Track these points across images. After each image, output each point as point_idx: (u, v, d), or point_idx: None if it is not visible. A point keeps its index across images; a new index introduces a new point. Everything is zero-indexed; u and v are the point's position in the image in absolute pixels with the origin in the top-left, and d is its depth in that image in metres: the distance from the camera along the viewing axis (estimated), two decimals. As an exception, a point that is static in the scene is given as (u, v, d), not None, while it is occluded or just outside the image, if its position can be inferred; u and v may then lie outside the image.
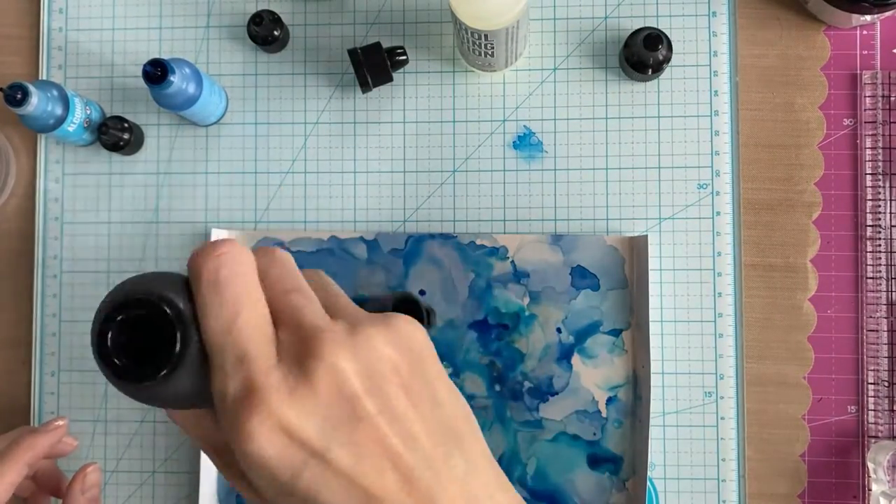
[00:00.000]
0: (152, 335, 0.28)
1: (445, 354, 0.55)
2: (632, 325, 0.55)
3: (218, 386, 0.28)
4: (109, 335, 0.28)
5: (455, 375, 0.55)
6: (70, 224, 0.59)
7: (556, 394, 0.55)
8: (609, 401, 0.55)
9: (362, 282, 0.56)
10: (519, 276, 0.55)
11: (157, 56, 0.56)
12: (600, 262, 0.55)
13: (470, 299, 0.55)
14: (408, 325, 0.30)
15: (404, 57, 0.56)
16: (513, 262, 0.55)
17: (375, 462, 0.28)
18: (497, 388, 0.55)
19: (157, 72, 0.50)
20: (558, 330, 0.55)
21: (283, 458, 0.28)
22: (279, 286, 0.30)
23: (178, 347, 0.27)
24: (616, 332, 0.55)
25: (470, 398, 0.54)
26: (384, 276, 0.56)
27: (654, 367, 0.55)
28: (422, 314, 0.42)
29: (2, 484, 0.47)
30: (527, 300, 0.55)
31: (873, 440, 0.54)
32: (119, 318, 0.28)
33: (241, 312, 0.28)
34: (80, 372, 0.58)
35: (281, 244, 0.56)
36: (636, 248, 0.55)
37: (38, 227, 0.59)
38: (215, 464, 0.33)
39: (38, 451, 0.49)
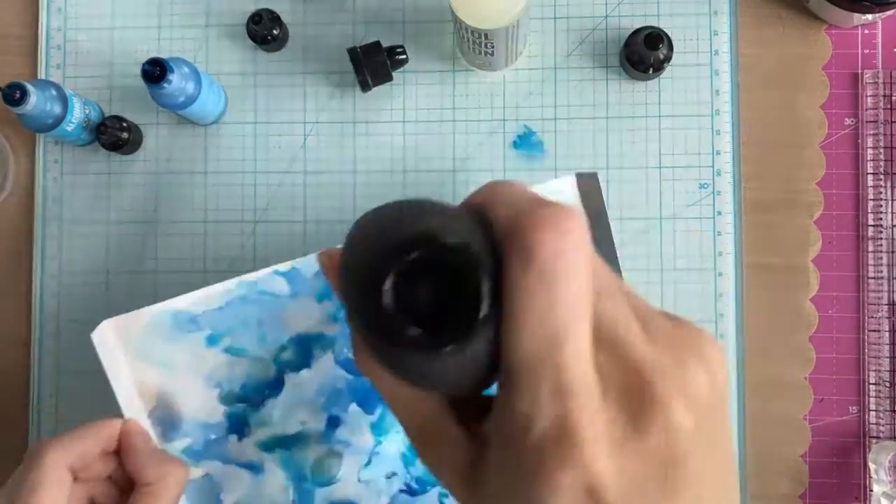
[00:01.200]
0: (428, 287, 0.22)
1: None
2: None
3: (520, 407, 0.22)
4: (394, 284, 0.21)
5: None
6: (69, 223, 0.59)
7: None
8: None
9: (292, 320, 0.49)
10: None
11: (155, 55, 0.56)
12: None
13: None
14: (718, 354, 0.25)
15: (404, 56, 0.56)
16: None
17: None
18: None
19: (155, 71, 0.50)
20: None
21: None
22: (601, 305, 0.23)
23: (482, 310, 0.21)
24: None
25: None
26: (317, 306, 0.49)
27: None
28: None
29: (74, 444, 0.42)
30: None
31: (875, 440, 0.54)
32: (409, 261, 0.21)
33: (572, 328, 0.22)
34: (80, 372, 0.58)
35: (179, 312, 0.48)
36: (586, 189, 0.50)
37: (37, 226, 0.59)
38: (421, 454, 0.27)
39: (111, 433, 0.45)
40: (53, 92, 0.53)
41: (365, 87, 0.55)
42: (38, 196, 0.59)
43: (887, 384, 0.54)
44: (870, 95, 0.56)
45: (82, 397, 0.58)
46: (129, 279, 0.58)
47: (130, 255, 0.58)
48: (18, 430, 0.58)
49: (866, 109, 0.56)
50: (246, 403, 0.50)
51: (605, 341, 0.23)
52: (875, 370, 0.54)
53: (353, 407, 0.50)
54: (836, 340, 0.55)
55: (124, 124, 0.56)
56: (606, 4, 0.57)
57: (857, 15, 0.54)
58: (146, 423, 0.48)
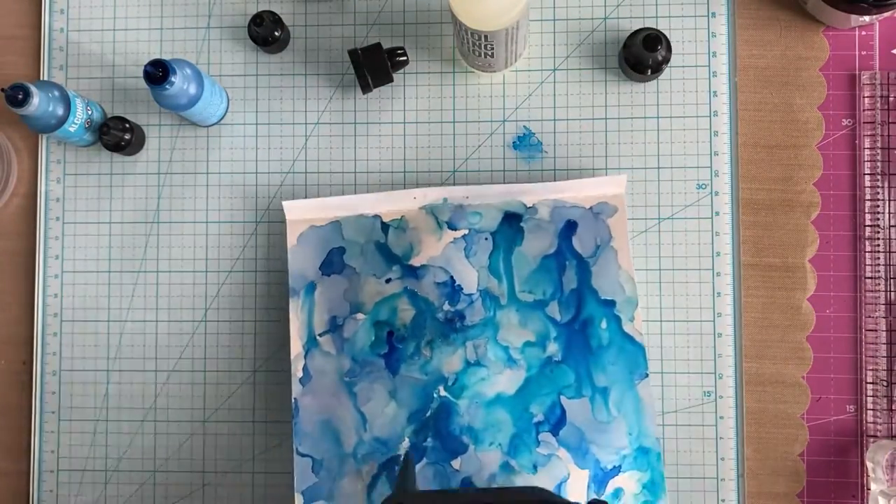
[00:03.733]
0: None
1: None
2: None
3: None
4: None
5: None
6: (71, 224, 0.59)
7: (450, 278, 0.55)
8: (450, 226, 0.55)
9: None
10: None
11: (158, 57, 0.56)
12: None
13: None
14: None
15: (404, 58, 0.56)
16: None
17: None
18: (458, 328, 0.54)
19: (158, 72, 0.50)
20: (387, 281, 0.55)
21: None
22: None
23: None
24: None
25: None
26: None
27: (653, 366, 0.55)
28: None
29: None
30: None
31: (872, 439, 0.54)
32: None
33: None
34: (80, 372, 0.58)
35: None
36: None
37: (40, 226, 0.59)
38: None
39: None
40: (56, 93, 0.54)
41: (366, 88, 0.55)
42: (41, 196, 0.59)
43: (884, 383, 0.54)
44: (867, 96, 0.56)
45: (83, 397, 0.58)
46: (131, 279, 0.58)
47: (132, 255, 0.58)
48: (19, 429, 0.58)
49: (864, 110, 0.56)
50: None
51: None
52: (872, 369, 0.55)
53: (456, 462, 0.53)
54: (833, 340, 0.55)
55: (127, 125, 0.57)
56: (605, 6, 0.58)
57: (854, 17, 0.54)
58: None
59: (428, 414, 0.53)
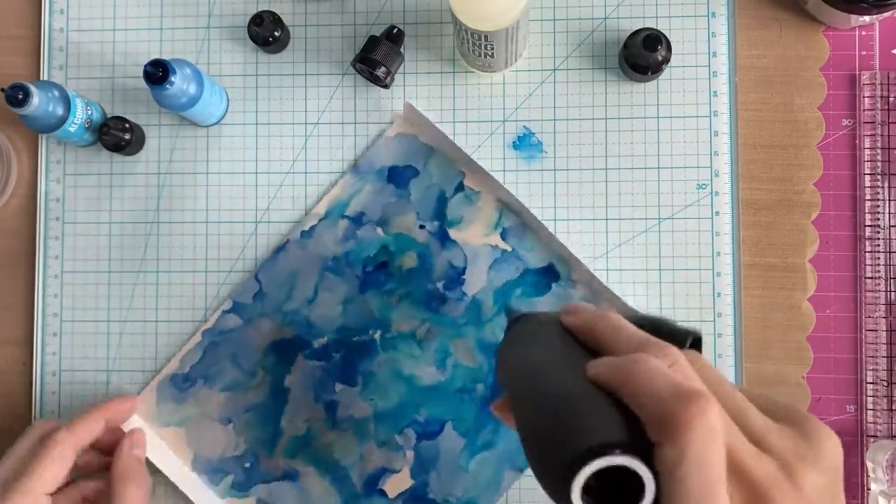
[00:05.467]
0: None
1: (364, 325, 0.56)
2: (466, 172, 0.57)
3: None
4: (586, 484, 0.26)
5: (386, 332, 0.56)
6: (71, 224, 0.59)
7: (465, 269, 0.56)
8: (502, 235, 0.56)
9: (256, 341, 0.57)
10: (357, 219, 0.57)
11: (157, 56, 0.56)
12: (400, 152, 0.57)
13: (340, 272, 0.57)
14: (836, 449, 0.29)
15: (400, 31, 0.57)
16: (343, 215, 0.57)
17: None
18: (423, 309, 0.56)
19: (157, 72, 0.50)
20: (420, 227, 0.57)
21: None
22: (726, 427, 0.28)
23: (646, 498, 0.26)
24: (460, 187, 0.57)
25: (412, 336, 0.56)
26: (269, 321, 0.57)
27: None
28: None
29: (83, 428, 0.50)
30: (380, 230, 0.57)
31: (872, 439, 0.54)
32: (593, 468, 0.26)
33: (718, 497, 0.26)
34: (81, 372, 0.58)
35: (175, 376, 0.57)
36: (415, 118, 0.56)
37: (40, 226, 0.59)
38: None
39: (119, 411, 0.54)
40: (56, 93, 0.54)
41: (388, 76, 0.56)
42: (41, 197, 0.59)
43: (884, 383, 0.54)
44: (867, 96, 0.56)
45: (83, 397, 0.58)
46: (131, 279, 0.58)
47: (132, 256, 0.58)
48: (20, 429, 0.58)
49: (864, 110, 0.56)
50: (258, 426, 0.56)
51: (738, 476, 0.28)
52: (872, 369, 0.55)
53: (339, 386, 0.56)
54: (833, 340, 0.55)
55: (127, 125, 0.57)
56: (605, 6, 0.58)
57: (854, 17, 0.54)
58: (192, 477, 0.56)
59: (354, 339, 0.56)
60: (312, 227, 0.57)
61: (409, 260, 0.56)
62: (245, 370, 0.57)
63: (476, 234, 0.56)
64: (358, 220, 0.57)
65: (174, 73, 0.50)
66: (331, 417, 0.56)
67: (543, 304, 0.56)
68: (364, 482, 0.55)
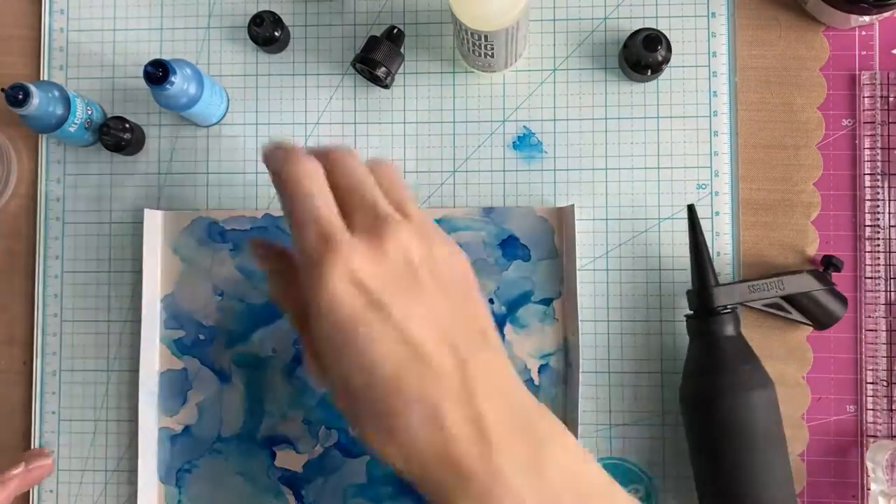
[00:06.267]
0: None
1: None
2: (562, 293, 0.55)
3: (300, 244, 0.35)
4: None
5: None
6: (71, 224, 0.59)
7: None
8: (541, 369, 0.55)
9: None
10: None
11: (157, 56, 0.56)
12: (531, 232, 0.56)
13: None
14: (456, 247, 0.39)
15: (399, 31, 0.57)
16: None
17: (425, 324, 0.34)
18: None
19: (158, 72, 0.50)
20: (490, 300, 0.55)
21: (347, 298, 0.34)
22: (345, 181, 0.38)
23: None
24: (547, 301, 0.55)
25: None
26: None
27: (653, 367, 0.55)
28: None
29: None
30: None
31: (872, 439, 0.54)
32: None
33: (315, 196, 0.36)
34: (81, 372, 0.58)
35: (215, 223, 0.57)
36: (564, 218, 0.55)
37: (40, 227, 0.59)
38: (291, 322, 0.41)
39: (26, 482, 0.54)
40: (56, 93, 0.54)
41: (388, 77, 0.56)
42: (41, 197, 0.59)
43: (884, 383, 0.54)
44: (867, 97, 0.56)
45: (83, 397, 0.58)
46: (132, 279, 0.58)
47: (132, 256, 0.58)
48: (20, 429, 0.58)
49: (864, 110, 0.56)
50: (236, 321, 0.57)
51: (359, 208, 0.36)
52: (872, 369, 0.55)
53: None
54: (833, 340, 0.55)
55: (127, 125, 0.57)
56: (605, 6, 0.58)
57: (854, 17, 0.54)
58: (157, 307, 0.57)
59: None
60: None
61: None
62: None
63: (523, 349, 0.55)
64: None
65: (174, 73, 0.50)
66: (291, 367, 0.56)
67: None
68: (266, 435, 0.56)
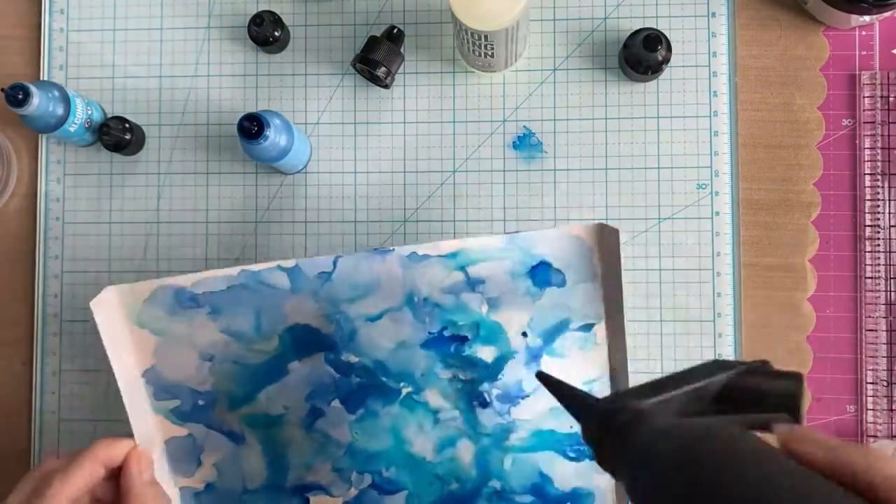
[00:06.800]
0: None
1: (402, 375, 0.51)
2: (605, 317, 0.50)
3: None
4: None
5: (415, 394, 0.51)
6: (71, 224, 0.59)
7: (528, 396, 0.51)
8: None
9: (290, 313, 0.51)
10: (473, 283, 0.50)
11: (158, 57, 0.56)
12: (566, 255, 0.50)
13: (419, 315, 0.51)
14: None
15: (399, 31, 0.57)
16: (463, 269, 0.50)
17: None
18: (463, 400, 0.51)
19: (253, 127, 0.49)
20: (524, 334, 0.51)
21: None
22: None
23: None
24: (588, 328, 0.50)
25: (434, 413, 0.51)
26: (314, 304, 0.50)
27: (653, 367, 0.55)
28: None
29: (78, 476, 0.45)
30: (485, 308, 0.50)
31: (872, 439, 0.54)
32: None
33: None
34: (81, 372, 0.58)
35: (182, 290, 0.50)
36: (605, 238, 0.49)
37: (40, 227, 0.59)
38: None
39: (114, 454, 0.47)
40: (56, 93, 0.54)
41: (388, 76, 0.56)
42: (41, 197, 0.59)
43: (884, 383, 0.54)
44: (867, 96, 0.56)
45: (83, 397, 0.58)
46: (132, 279, 0.58)
47: (132, 256, 0.58)
48: (20, 429, 0.58)
49: (864, 110, 0.56)
50: (236, 381, 0.52)
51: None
52: (872, 369, 0.55)
53: (336, 403, 0.52)
54: (833, 340, 0.55)
55: (127, 125, 0.57)
56: (605, 6, 0.58)
57: (854, 17, 0.54)
58: (139, 382, 0.51)
59: (383, 379, 0.52)
60: (427, 257, 0.50)
61: (488, 353, 0.51)
62: (261, 329, 0.51)
63: (565, 377, 0.48)
64: (473, 284, 0.50)
65: (268, 126, 0.49)
66: (308, 421, 0.52)
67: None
68: (296, 485, 0.52)
